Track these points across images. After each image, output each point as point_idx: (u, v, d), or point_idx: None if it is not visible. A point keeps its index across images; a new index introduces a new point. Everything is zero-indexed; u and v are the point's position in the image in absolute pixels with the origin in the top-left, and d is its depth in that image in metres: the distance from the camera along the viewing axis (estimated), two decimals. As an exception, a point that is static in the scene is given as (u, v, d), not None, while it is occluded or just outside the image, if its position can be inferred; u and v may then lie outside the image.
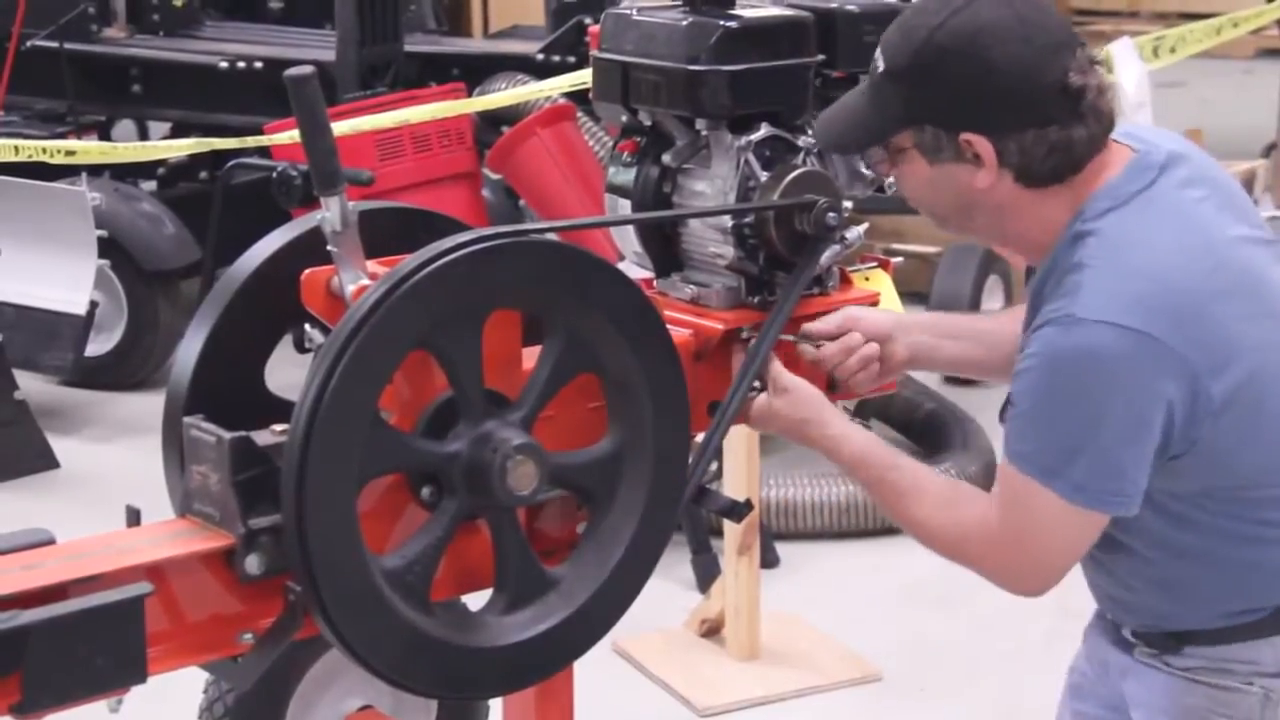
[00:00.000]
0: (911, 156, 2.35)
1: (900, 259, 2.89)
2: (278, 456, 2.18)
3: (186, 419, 2.29)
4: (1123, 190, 2.34)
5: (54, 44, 7.06)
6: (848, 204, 2.59)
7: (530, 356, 2.36)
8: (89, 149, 6.17)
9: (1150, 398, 2.28)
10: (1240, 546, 2.43)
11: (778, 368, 2.53)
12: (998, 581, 2.42)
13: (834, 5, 2.63)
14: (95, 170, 6.65)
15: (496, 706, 2.90)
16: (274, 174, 5.48)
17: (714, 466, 2.54)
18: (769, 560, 4.96)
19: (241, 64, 7.07)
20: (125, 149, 6.23)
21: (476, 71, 6.86)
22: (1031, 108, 2.28)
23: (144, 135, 8.14)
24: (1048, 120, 2.28)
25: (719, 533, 4.66)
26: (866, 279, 2.72)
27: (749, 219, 2.54)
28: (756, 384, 2.53)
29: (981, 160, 2.30)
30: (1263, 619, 2.47)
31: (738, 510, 2.60)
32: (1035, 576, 2.41)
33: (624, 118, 2.66)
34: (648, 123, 2.64)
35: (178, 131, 7.50)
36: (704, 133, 2.57)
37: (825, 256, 2.57)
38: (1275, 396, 2.36)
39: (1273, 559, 2.44)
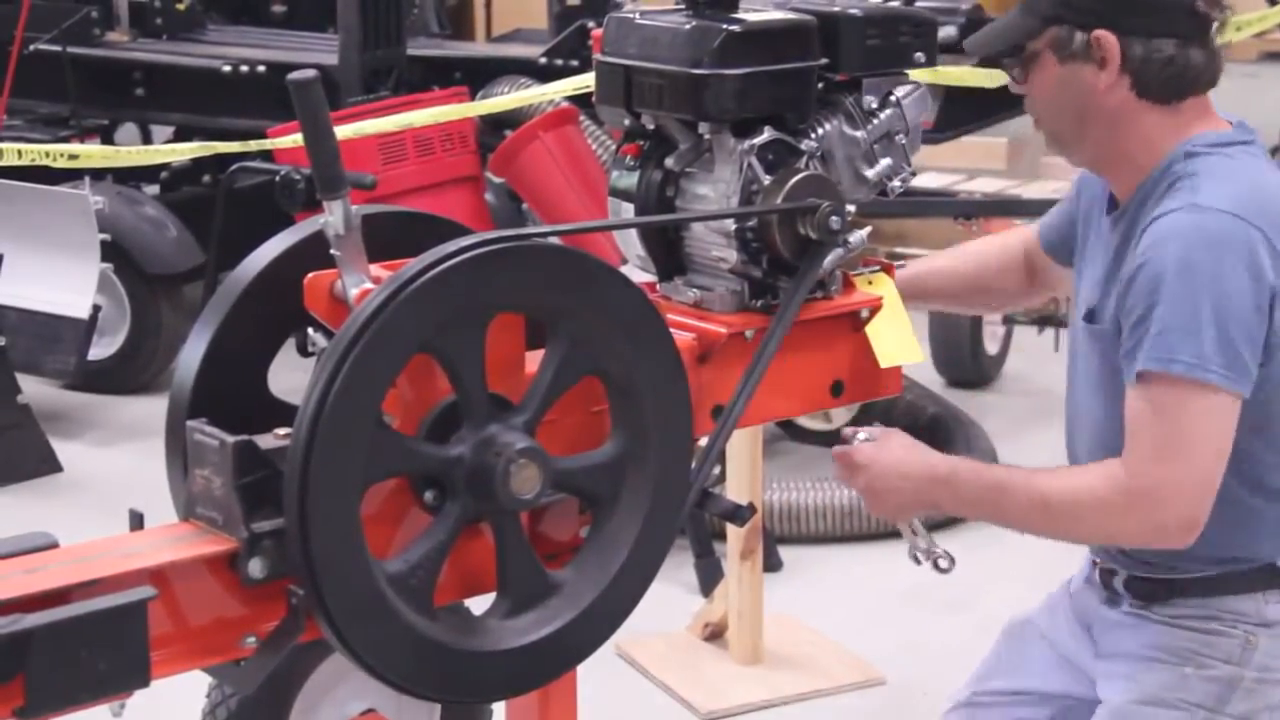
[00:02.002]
0: (1044, 60, 2.60)
1: (903, 263, 2.88)
2: (281, 460, 2.18)
3: (189, 423, 2.29)
4: (1228, 138, 2.62)
5: (57, 48, 7.07)
6: (851, 208, 2.59)
7: (533, 360, 2.36)
8: (92, 153, 6.18)
9: (1264, 285, 2.49)
10: (1253, 493, 2.62)
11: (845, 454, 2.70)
12: (1153, 530, 2.52)
13: (837, 9, 2.63)
14: (98, 174, 6.65)
15: (499, 710, 2.90)
16: (277, 178, 5.46)
17: (717, 470, 2.53)
18: (772, 564, 4.96)
19: (244, 68, 7.07)
20: (128, 153, 6.23)
21: (479, 75, 6.86)
22: (1160, 15, 2.56)
23: (147, 139, 8.16)
24: (1171, 33, 2.57)
25: (722, 537, 4.66)
26: (870, 283, 2.72)
27: (752, 223, 2.54)
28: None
29: (1107, 61, 2.56)
30: (1253, 572, 2.66)
31: (741, 514, 2.59)
32: (1191, 497, 2.50)
33: (627, 121, 2.66)
34: (651, 126, 2.64)
35: (181, 135, 7.52)
36: (707, 136, 2.57)
37: (828, 260, 2.57)
38: None
39: (1274, 512, 2.64)
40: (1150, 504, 2.51)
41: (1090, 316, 2.70)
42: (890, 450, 2.69)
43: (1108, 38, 2.56)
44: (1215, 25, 2.60)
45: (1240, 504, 2.62)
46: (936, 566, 2.81)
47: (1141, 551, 2.70)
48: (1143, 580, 2.74)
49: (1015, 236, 3.05)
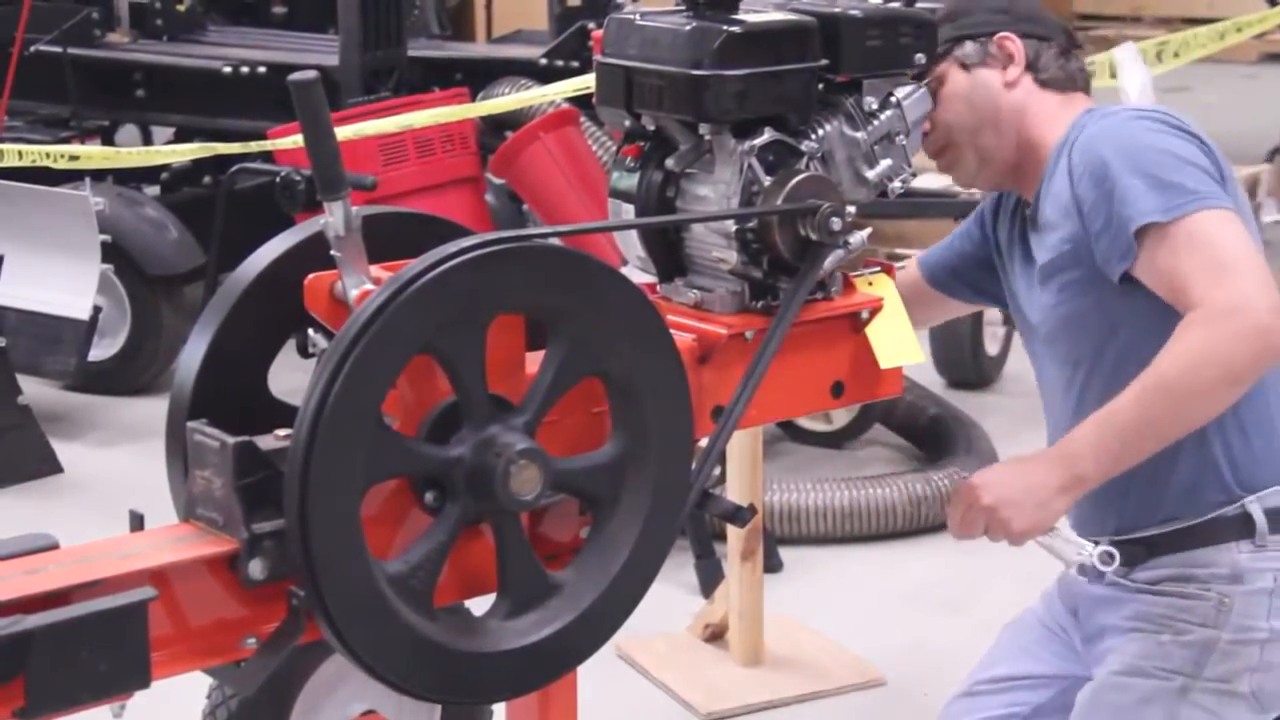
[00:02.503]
0: (951, 76, 2.86)
1: (903, 264, 2.89)
2: (281, 461, 2.18)
3: (190, 424, 2.29)
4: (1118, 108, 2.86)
5: (57, 49, 7.08)
6: (851, 209, 2.59)
7: (534, 361, 2.36)
8: (92, 154, 6.18)
9: (1191, 140, 2.70)
10: (1230, 429, 2.74)
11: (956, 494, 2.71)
12: (1258, 335, 2.55)
13: (837, 10, 2.63)
14: (99, 175, 6.65)
15: (500, 711, 2.90)
16: (277, 179, 5.43)
17: (717, 471, 2.53)
18: (772, 565, 4.96)
19: (245, 69, 7.07)
20: (129, 154, 6.23)
21: (480, 76, 6.87)
22: (1043, 25, 2.90)
23: (147, 140, 8.16)
24: (1054, 41, 2.89)
25: (722, 537, 4.67)
26: (870, 284, 2.72)
27: (752, 224, 2.54)
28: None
29: (1012, 58, 2.85)
30: (1226, 521, 2.76)
31: (741, 515, 2.59)
32: (1264, 288, 2.56)
33: (627, 122, 2.65)
34: (651, 127, 2.64)
35: (181, 136, 7.51)
36: (707, 137, 2.57)
37: (829, 261, 2.57)
38: None
39: (1249, 449, 2.76)
40: (1240, 316, 2.54)
41: (1045, 283, 2.82)
42: (998, 466, 2.73)
43: (1009, 37, 2.85)
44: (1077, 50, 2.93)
45: (1209, 438, 2.73)
46: (1101, 565, 2.74)
47: (1123, 510, 2.81)
48: (1123, 543, 2.79)
49: (904, 276, 3.07)
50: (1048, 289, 2.82)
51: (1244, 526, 2.76)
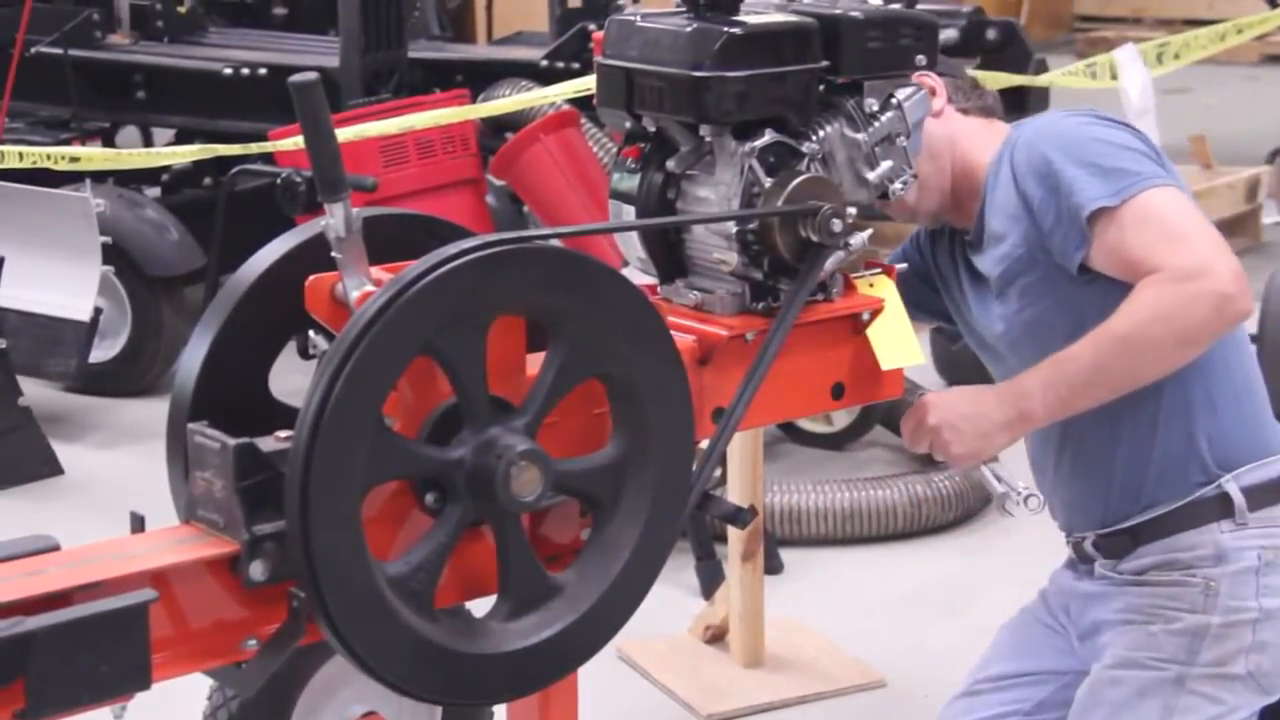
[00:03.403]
0: None
1: (904, 265, 2.88)
2: (282, 463, 2.18)
3: (191, 425, 2.29)
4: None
5: (58, 50, 7.06)
6: (852, 210, 2.59)
7: (534, 362, 2.36)
8: (93, 155, 6.18)
9: (1123, 128, 2.79)
10: (1201, 407, 2.79)
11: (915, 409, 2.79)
12: (1217, 301, 2.62)
13: (838, 11, 2.63)
14: (99, 176, 6.64)
15: (501, 712, 2.90)
16: (278, 180, 5.48)
17: (718, 473, 2.53)
18: (773, 566, 4.96)
19: (245, 70, 7.07)
20: (129, 155, 6.23)
21: (480, 78, 6.86)
22: (950, 67, 2.98)
23: (148, 142, 8.16)
24: (961, 79, 3.01)
25: (723, 539, 4.66)
26: (871, 285, 2.72)
27: (753, 225, 2.54)
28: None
29: (934, 91, 2.87)
30: (1205, 502, 2.80)
31: (742, 516, 2.59)
32: (1222, 256, 2.63)
33: (628, 124, 2.66)
34: (652, 129, 2.64)
35: (182, 138, 7.51)
36: (708, 139, 2.57)
37: (829, 263, 2.58)
38: None
39: (1221, 427, 2.80)
40: (1200, 280, 2.61)
41: (1003, 293, 2.86)
42: (956, 389, 2.83)
43: (927, 74, 2.81)
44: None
45: (1183, 418, 2.80)
46: (1028, 506, 2.83)
47: (1107, 501, 2.86)
48: (1108, 535, 2.87)
49: None
50: (1007, 298, 2.86)
51: (1223, 506, 2.81)
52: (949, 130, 2.91)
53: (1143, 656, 2.80)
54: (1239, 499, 2.80)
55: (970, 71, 3.13)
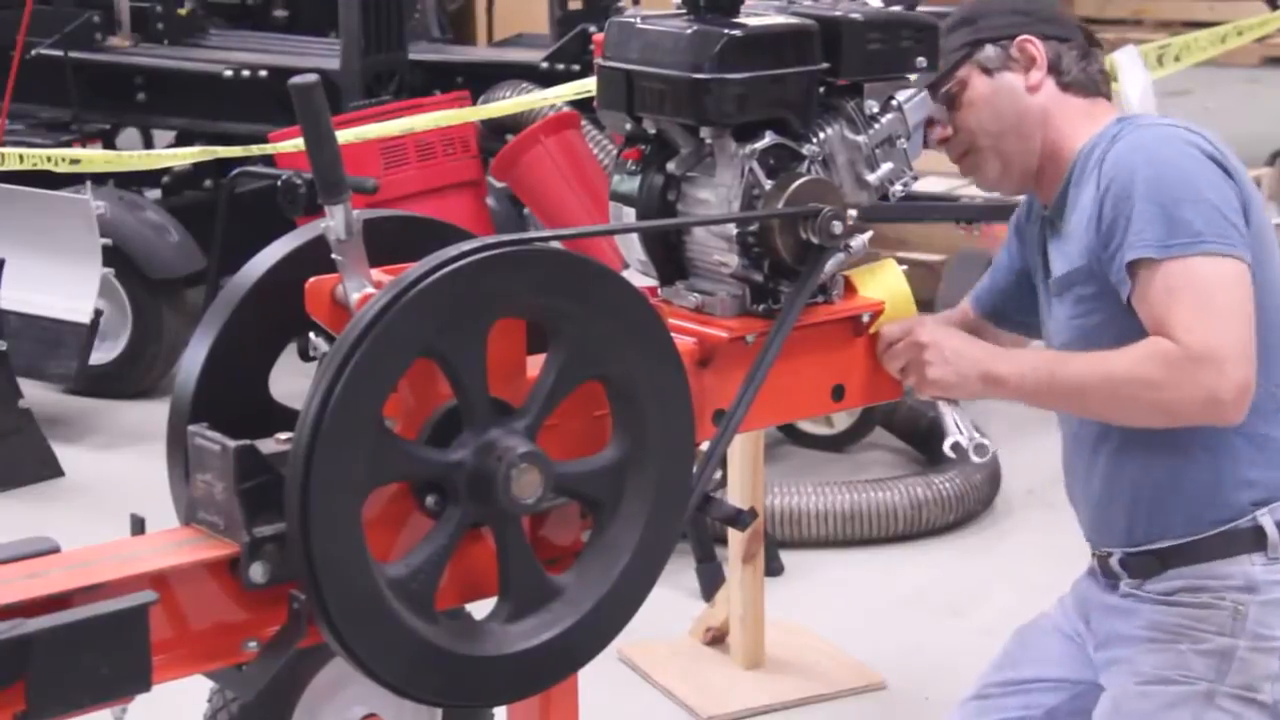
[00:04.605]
0: (972, 82, 2.82)
1: (904, 267, 2.89)
2: (282, 465, 2.18)
3: (191, 427, 2.29)
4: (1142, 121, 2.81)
5: (59, 52, 7.07)
6: (852, 212, 2.59)
7: (535, 365, 2.36)
8: (94, 157, 6.18)
9: (1220, 168, 2.67)
10: (1235, 442, 2.73)
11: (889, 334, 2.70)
12: (1206, 398, 2.58)
13: (838, 13, 2.63)
14: (100, 179, 6.65)
15: (501, 714, 2.89)
16: (279, 182, 5.48)
17: (718, 475, 2.53)
18: (773, 568, 4.96)
19: (246, 72, 7.07)
20: (130, 157, 6.23)
21: (481, 80, 6.85)
22: (1062, 26, 2.88)
23: (148, 144, 8.15)
24: (1073, 41, 2.86)
25: (723, 541, 4.66)
26: (872, 273, 2.72)
27: (753, 227, 2.54)
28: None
29: (1033, 60, 2.82)
30: (1237, 533, 2.75)
31: (742, 519, 2.60)
32: (1240, 358, 2.58)
33: (628, 126, 2.66)
34: (652, 131, 2.64)
35: (182, 140, 7.51)
36: (708, 141, 2.57)
37: (830, 265, 2.58)
38: (1268, 292, 2.68)
39: (1242, 467, 2.74)
40: (1204, 369, 2.56)
41: (1061, 294, 2.80)
42: (954, 329, 2.78)
43: (1031, 40, 2.81)
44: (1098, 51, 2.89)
45: (1221, 466, 2.74)
46: (977, 452, 2.83)
47: (1135, 523, 2.81)
48: (1136, 555, 2.82)
49: (955, 317, 3.08)
50: (1063, 301, 2.81)
51: (1256, 539, 2.75)
52: (1044, 106, 2.82)
53: (1174, 673, 2.76)
54: (1273, 533, 2.74)
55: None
